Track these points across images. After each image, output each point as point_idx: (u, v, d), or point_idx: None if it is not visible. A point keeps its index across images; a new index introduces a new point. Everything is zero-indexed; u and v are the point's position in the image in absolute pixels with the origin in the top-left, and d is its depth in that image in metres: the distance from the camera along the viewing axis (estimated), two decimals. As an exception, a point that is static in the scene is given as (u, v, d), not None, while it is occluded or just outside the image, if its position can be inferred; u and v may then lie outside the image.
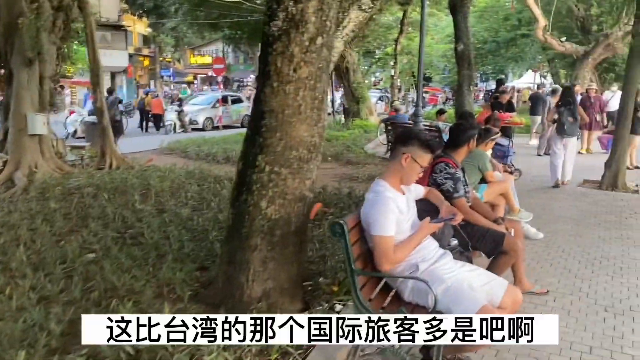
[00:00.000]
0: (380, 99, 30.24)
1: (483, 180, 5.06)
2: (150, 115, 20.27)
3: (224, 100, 21.76)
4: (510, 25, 27.59)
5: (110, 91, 14.97)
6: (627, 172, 8.79)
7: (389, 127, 11.55)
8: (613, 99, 11.54)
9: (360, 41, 19.17)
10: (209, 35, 31.90)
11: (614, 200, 7.43)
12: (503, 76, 41.16)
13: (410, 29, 27.85)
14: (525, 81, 42.06)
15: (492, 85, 49.35)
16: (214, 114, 20.69)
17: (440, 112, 11.07)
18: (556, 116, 8.42)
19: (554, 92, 11.62)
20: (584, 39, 20.28)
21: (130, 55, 43.32)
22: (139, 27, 42.90)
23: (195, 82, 60.10)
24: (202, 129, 19.83)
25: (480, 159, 4.93)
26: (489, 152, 5.89)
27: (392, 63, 22.33)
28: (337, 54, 3.42)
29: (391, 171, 2.79)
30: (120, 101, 15.65)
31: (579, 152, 11.09)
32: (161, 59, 46.74)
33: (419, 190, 3.08)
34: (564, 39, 20.47)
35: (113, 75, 41.46)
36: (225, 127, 20.24)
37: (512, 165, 9.51)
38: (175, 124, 19.01)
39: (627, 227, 5.94)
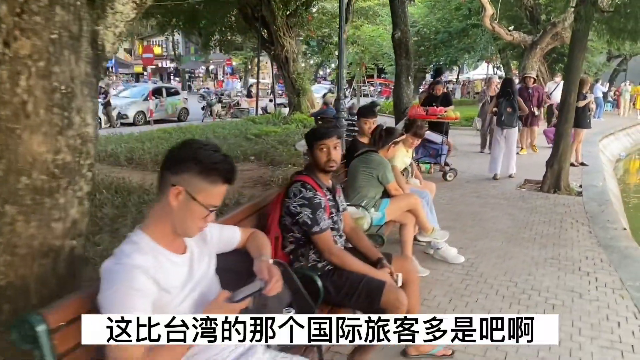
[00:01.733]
0: (330, 91, 29.15)
1: (387, 194, 4.02)
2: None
3: (157, 92, 20.19)
4: (462, 16, 27.02)
5: None
6: (572, 170, 7.99)
7: (320, 122, 10.48)
8: (557, 90, 10.73)
9: (300, 28, 18.01)
10: (138, 22, 29.77)
11: (555, 205, 6.55)
12: (457, 66, 40.87)
13: (362, 18, 26.84)
14: (479, 73, 41.88)
15: (448, 76, 49.13)
16: (146, 107, 19.14)
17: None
18: (495, 108, 8.30)
19: (488, 81, 10.85)
20: (533, 29, 19.70)
21: (70, 45, 40.85)
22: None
23: (145, 73, 57.86)
24: (133, 124, 18.34)
25: (379, 167, 3.88)
26: (403, 156, 4.87)
27: (337, 53, 21.13)
28: (124, 23, 2.22)
29: (156, 215, 1.65)
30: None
31: (518, 154, 10.28)
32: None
33: (229, 237, 1.97)
34: (511, 27, 19.84)
35: (51, 66, 39.07)
36: (159, 121, 18.76)
37: (447, 165, 8.62)
38: (100, 119, 17.41)
39: (566, 242, 5.02)
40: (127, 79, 44.36)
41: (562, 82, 11.12)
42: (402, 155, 4.77)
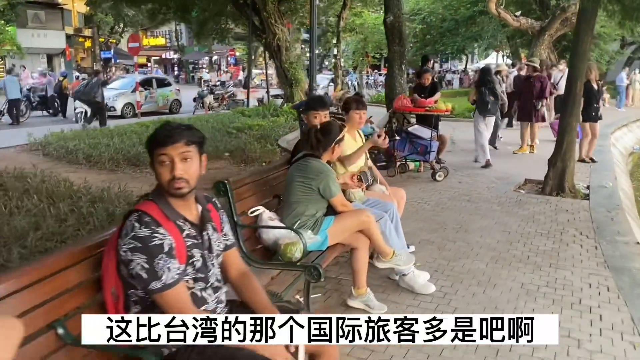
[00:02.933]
0: (332, 81, 28.20)
1: (332, 210, 3.17)
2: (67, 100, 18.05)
3: (147, 83, 19.39)
4: (470, 2, 26.04)
5: (96, 73, 15.33)
6: (579, 167, 7.09)
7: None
8: (563, 79, 9.75)
9: (292, 14, 17.08)
10: (125, 11, 28.77)
11: (557, 211, 5.65)
12: (465, 55, 39.66)
13: (362, 5, 25.68)
14: (489, 62, 40.68)
15: (456, 66, 47.86)
16: (134, 99, 18.33)
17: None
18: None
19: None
20: (543, 15, 18.65)
21: (69, 36, 40.25)
22: (79, 5, 39.71)
23: (149, 64, 57.32)
24: (122, 117, 17.59)
25: (320, 177, 3.03)
26: (352, 145, 4.02)
27: (334, 41, 20.12)
28: None
29: None
30: (104, 83, 15.62)
31: (514, 152, 9.32)
32: (103, 40, 43.49)
33: None
34: (519, 13, 18.76)
35: (50, 58, 38.54)
36: (149, 113, 17.91)
37: (440, 162, 7.75)
38: (86, 112, 16.64)
39: (566, 262, 4.14)
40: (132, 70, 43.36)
41: (567, 70, 10.15)
42: (350, 145, 3.91)
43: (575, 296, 3.51)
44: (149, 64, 57.52)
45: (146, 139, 1.81)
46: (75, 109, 16.90)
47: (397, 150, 7.32)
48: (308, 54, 41.50)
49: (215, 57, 55.18)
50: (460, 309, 3.29)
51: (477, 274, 3.85)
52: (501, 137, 10.33)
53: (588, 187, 6.79)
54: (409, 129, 7.26)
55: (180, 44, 53.42)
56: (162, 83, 20.43)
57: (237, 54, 51.04)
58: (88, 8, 34.55)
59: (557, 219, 5.36)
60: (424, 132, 7.14)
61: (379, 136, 3.91)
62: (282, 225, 2.96)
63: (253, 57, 48.12)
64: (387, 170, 7.36)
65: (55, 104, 17.77)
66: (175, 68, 56.63)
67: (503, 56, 39.02)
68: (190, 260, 1.77)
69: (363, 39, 28.07)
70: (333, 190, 3.04)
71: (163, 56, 57.08)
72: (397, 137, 7.31)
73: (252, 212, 2.96)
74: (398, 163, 7.49)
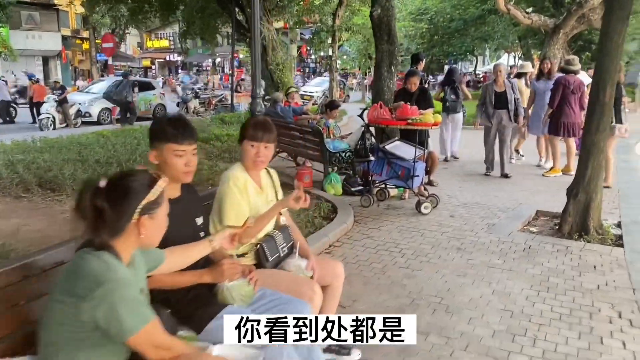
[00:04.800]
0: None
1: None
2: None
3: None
4: (479, 1, 24.56)
5: (125, 75, 16.38)
6: (605, 195, 5.47)
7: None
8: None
9: (279, 13, 15.55)
10: (103, 9, 27.08)
11: (581, 269, 4.04)
12: (474, 56, 37.91)
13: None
14: (502, 63, 38.80)
15: (467, 68, 45.98)
16: (111, 104, 16.87)
17: (331, 106, 7.51)
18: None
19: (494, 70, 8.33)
20: (557, 12, 17.01)
21: (66, 38, 39.17)
22: (77, 6, 38.60)
23: (153, 67, 56.34)
24: (98, 123, 16.19)
25: (98, 293, 1.45)
26: (261, 201, 2.46)
27: (329, 41, 18.46)
28: None
29: None
30: (135, 84, 16.12)
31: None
32: (100, 41, 42.24)
33: None
34: (530, 10, 17.12)
35: (46, 60, 37.42)
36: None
37: (430, 185, 6.20)
38: (54, 118, 15.24)
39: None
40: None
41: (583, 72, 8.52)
42: (255, 199, 2.39)
43: None
44: (153, 67, 56.56)
45: None
46: (39, 115, 15.52)
47: (373, 174, 5.76)
48: (312, 56, 39.61)
49: (218, 59, 54.15)
50: None
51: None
52: (522, 156, 8.78)
53: (619, 225, 5.17)
54: (387, 146, 5.67)
55: (184, 46, 52.30)
56: (144, 87, 18.94)
57: (241, 55, 49.80)
58: (84, 9, 33.39)
59: (582, 283, 3.75)
60: (406, 151, 5.55)
61: (297, 198, 2.38)
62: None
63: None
64: (361, 198, 5.83)
65: (10, 109, 16.45)
66: (180, 70, 55.61)
67: (515, 57, 37.25)
68: None
69: (365, 39, 26.49)
70: (128, 323, 1.45)
71: (167, 58, 56.17)
72: (372, 158, 5.75)
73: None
74: (376, 189, 5.94)
